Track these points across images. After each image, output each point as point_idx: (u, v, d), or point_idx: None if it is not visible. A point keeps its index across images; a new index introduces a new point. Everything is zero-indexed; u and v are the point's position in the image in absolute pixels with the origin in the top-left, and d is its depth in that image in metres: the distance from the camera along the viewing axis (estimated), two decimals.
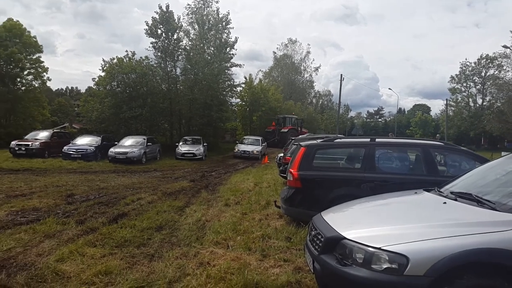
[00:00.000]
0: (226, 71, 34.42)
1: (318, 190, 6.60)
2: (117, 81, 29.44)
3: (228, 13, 35.02)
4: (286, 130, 37.24)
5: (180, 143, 25.48)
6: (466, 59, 58.73)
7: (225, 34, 34.78)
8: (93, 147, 21.42)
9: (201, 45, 33.66)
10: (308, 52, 66.61)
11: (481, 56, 56.03)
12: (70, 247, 5.32)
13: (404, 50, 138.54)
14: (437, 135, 20.92)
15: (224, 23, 34.67)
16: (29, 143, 21.39)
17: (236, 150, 28.10)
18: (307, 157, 6.90)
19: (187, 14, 36.00)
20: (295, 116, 44.04)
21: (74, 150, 20.90)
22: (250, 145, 28.67)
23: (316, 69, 68.31)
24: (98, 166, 18.43)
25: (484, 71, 56.10)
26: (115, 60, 29.91)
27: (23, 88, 32.08)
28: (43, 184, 11.77)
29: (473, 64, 57.00)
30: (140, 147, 21.44)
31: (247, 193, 10.71)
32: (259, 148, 28.30)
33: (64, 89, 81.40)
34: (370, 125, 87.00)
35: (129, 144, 21.98)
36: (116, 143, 22.49)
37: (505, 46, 39.09)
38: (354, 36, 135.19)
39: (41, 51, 32.53)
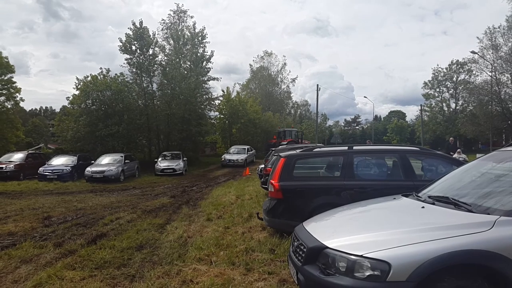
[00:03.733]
0: (203, 85, 34.56)
1: (300, 200, 6.60)
2: (92, 99, 28.96)
3: (204, 28, 35.42)
4: (285, 142, 37.76)
5: (159, 159, 25.24)
6: (438, 65, 60.67)
7: (201, 49, 35.05)
8: (69, 167, 21.02)
9: (177, 59, 33.70)
10: (285, 64, 67.29)
11: (451, 62, 57.99)
12: (48, 271, 5.16)
13: (376, 59, 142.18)
14: (451, 138, 20.88)
15: (200, 37, 34.85)
16: (3, 165, 20.93)
17: (223, 159, 30.59)
18: (287, 167, 6.92)
19: (162, 30, 36.12)
20: (294, 129, 46.47)
21: (50, 171, 20.47)
22: (235, 154, 30.94)
23: (293, 80, 69.06)
24: (75, 186, 18.02)
25: (456, 76, 57.95)
26: (89, 78, 29.50)
27: None
28: (18, 208, 11.41)
29: (444, 70, 58.85)
30: (117, 165, 21.09)
31: (229, 207, 10.62)
32: (243, 156, 30.33)
33: (39, 109, 79.70)
34: (348, 133, 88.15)
35: (106, 162, 21.61)
36: (93, 162, 22.15)
37: (473, 52, 40.38)
38: (327, 47, 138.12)
39: (13, 72, 31.76)
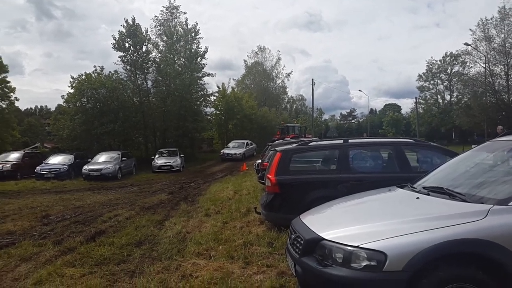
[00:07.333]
0: (198, 81, 34.49)
1: (296, 194, 6.63)
2: (86, 97, 28.92)
3: (197, 23, 35.33)
4: (288, 138, 37.99)
5: (156, 156, 25.25)
6: (432, 58, 60.84)
7: (195, 45, 34.98)
8: (66, 166, 21.06)
9: (171, 56, 33.62)
10: (279, 59, 67.27)
11: (445, 54, 58.25)
12: (48, 269, 5.19)
13: (370, 52, 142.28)
14: (499, 127, 16.52)
15: (193, 33, 34.78)
16: (0, 165, 20.78)
17: (222, 153, 31.75)
18: (283, 161, 6.95)
19: (155, 26, 36.03)
20: (297, 124, 47.34)
21: (47, 169, 20.51)
22: (234, 149, 31.78)
23: (288, 74, 68.93)
24: (73, 185, 18.07)
25: (450, 68, 58.24)
26: (83, 76, 29.39)
27: None
28: (16, 207, 11.44)
29: (438, 62, 59.08)
30: (114, 163, 21.12)
31: (227, 202, 10.66)
32: (241, 150, 31.11)
33: (34, 108, 79.09)
34: (344, 127, 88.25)
35: (103, 160, 21.64)
36: (90, 160, 22.14)
37: (466, 44, 40.59)
38: (320, 41, 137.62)
39: (7, 71, 31.64)
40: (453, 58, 56.50)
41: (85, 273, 5.05)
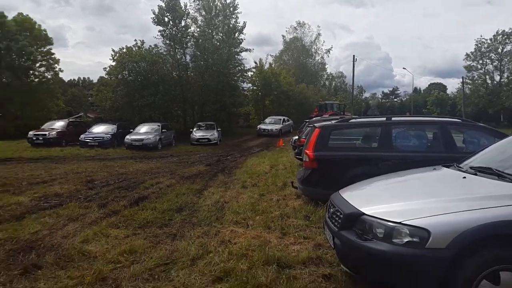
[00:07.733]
0: (236, 56, 34.41)
1: (335, 170, 6.60)
2: (128, 70, 29.57)
3: None
4: (327, 115, 37.60)
5: (194, 129, 25.70)
6: (481, 36, 57.35)
7: (233, 20, 34.88)
8: (109, 135, 21.78)
9: (209, 31, 33.68)
10: (319, 34, 65.55)
11: (497, 32, 54.61)
12: (94, 229, 5.48)
13: (414, 29, 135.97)
14: None
15: (231, 8, 34.60)
16: (46, 132, 21.87)
17: (258, 129, 32.12)
18: (322, 138, 6.90)
19: (194, 1, 35.93)
20: (336, 102, 46.00)
21: (91, 138, 21.31)
22: (270, 124, 31.94)
23: (328, 51, 67.21)
24: (115, 153, 18.74)
25: (501, 47, 54.71)
26: (124, 50, 30.01)
27: (36, 80, 32.59)
28: (63, 171, 11.98)
29: (488, 41, 55.62)
30: (155, 134, 21.68)
31: (264, 176, 10.77)
32: (278, 126, 31.24)
33: (77, 80, 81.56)
34: (385, 106, 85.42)
35: (144, 131, 22.25)
36: (132, 130, 22.81)
37: None
38: (362, 17, 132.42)
39: (52, 43, 32.97)
40: (506, 36, 53.03)
41: (129, 234, 5.31)
